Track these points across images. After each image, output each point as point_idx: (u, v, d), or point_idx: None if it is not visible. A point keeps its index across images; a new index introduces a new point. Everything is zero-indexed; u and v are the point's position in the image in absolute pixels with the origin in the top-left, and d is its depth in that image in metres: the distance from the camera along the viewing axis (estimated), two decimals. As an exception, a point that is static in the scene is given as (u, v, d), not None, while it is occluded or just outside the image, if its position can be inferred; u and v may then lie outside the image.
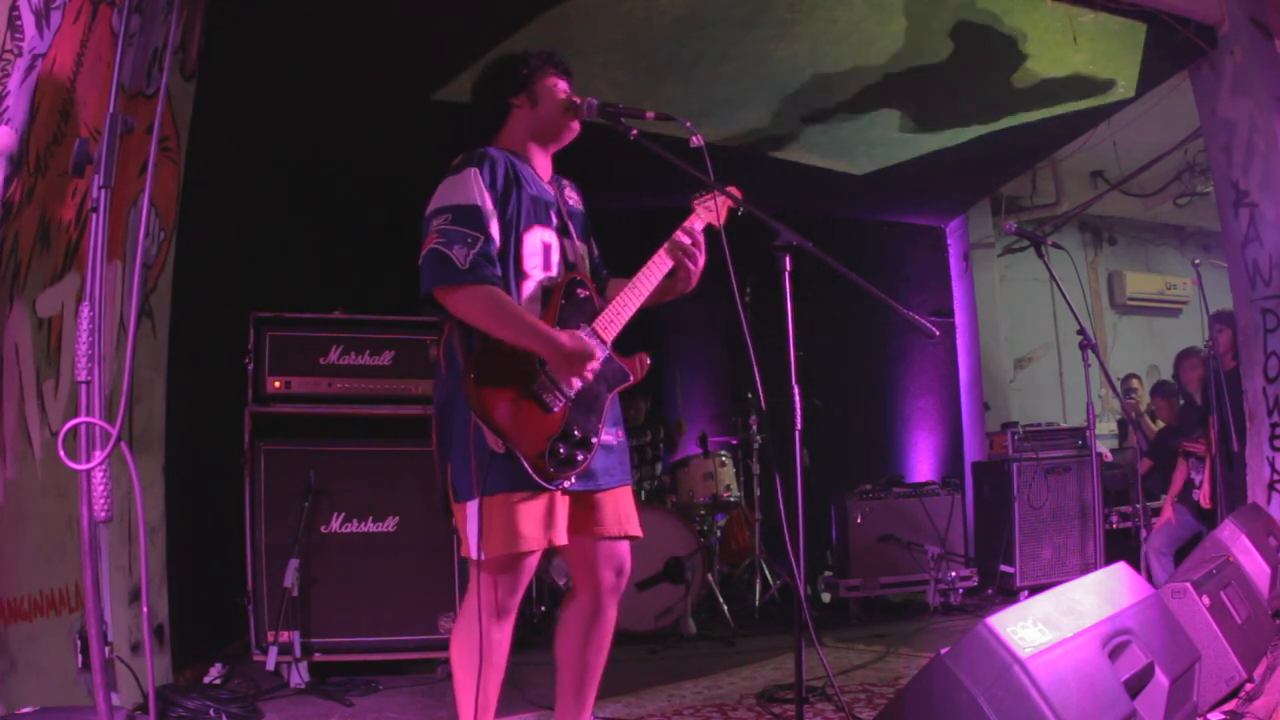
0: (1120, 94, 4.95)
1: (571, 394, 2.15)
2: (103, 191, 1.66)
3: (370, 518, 3.57)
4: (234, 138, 4.17)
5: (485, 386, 2.08)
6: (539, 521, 2.11)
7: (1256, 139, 4.24)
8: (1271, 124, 4.15)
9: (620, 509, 2.28)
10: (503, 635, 2.18)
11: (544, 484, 2.09)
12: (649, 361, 2.34)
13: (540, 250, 2.24)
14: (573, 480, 2.15)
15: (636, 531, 2.31)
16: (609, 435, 2.26)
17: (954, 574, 4.92)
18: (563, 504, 2.15)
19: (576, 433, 2.15)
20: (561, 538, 2.14)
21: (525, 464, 2.07)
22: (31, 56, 2.22)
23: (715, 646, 4.19)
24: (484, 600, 2.12)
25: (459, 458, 2.13)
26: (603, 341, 2.22)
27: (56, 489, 2.44)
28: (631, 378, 2.31)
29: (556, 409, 2.13)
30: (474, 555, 2.11)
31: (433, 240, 2.10)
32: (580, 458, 2.15)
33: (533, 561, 2.18)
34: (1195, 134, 5.45)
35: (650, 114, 2.28)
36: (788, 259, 2.22)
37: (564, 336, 2.12)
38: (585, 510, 2.22)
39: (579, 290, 2.26)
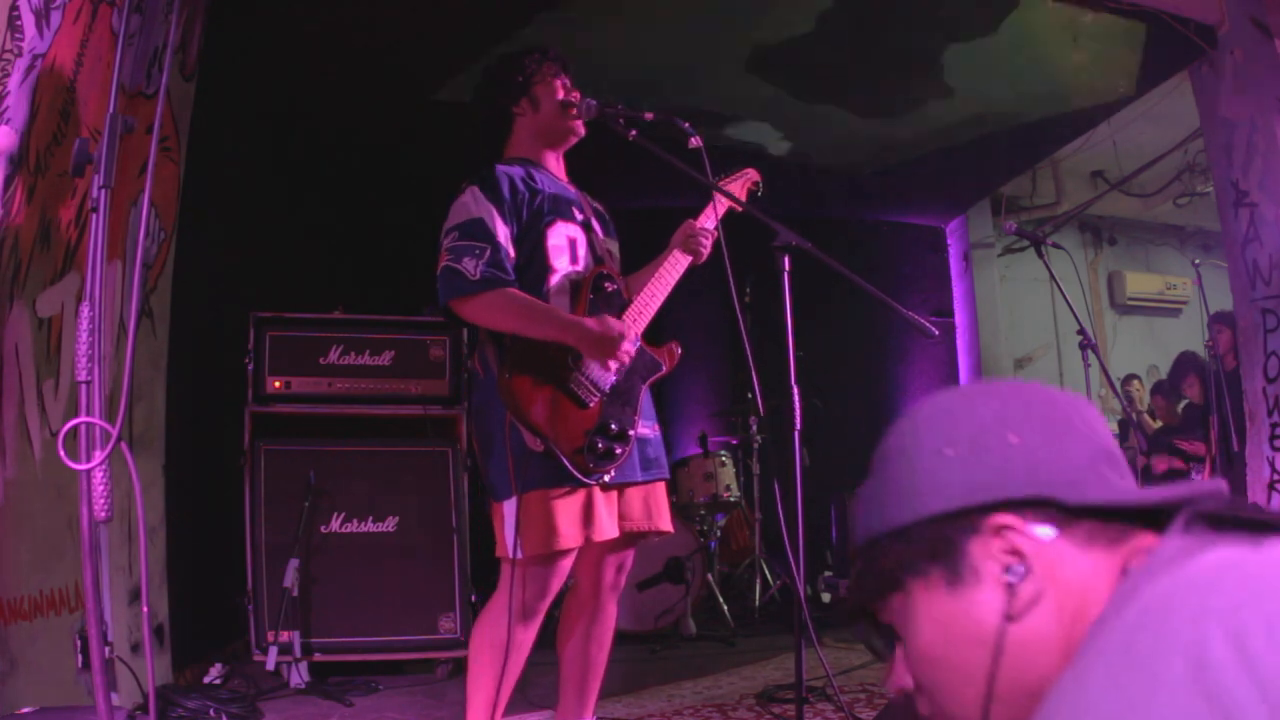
0: (1120, 94, 4.95)
1: (606, 388, 2.16)
2: (103, 191, 1.66)
3: (370, 518, 3.57)
4: (234, 138, 4.17)
5: (520, 386, 2.09)
6: (577, 518, 2.11)
7: (1256, 139, 4.24)
8: (1271, 124, 4.15)
9: (652, 502, 2.29)
10: (527, 638, 2.19)
11: (583, 479, 2.09)
12: (679, 351, 2.35)
13: (566, 245, 2.25)
14: (612, 474, 2.15)
15: (667, 526, 2.32)
16: (645, 428, 2.27)
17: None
18: (602, 499, 2.15)
19: (614, 426, 2.16)
20: (602, 533, 2.14)
21: (564, 460, 2.07)
22: (31, 56, 2.22)
23: (715, 646, 4.19)
24: (514, 602, 2.12)
25: (496, 457, 2.14)
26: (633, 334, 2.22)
27: (56, 489, 2.44)
28: (664, 367, 2.31)
29: (592, 404, 2.14)
30: (510, 554, 2.11)
31: (444, 259, 2.13)
32: (619, 451, 2.16)
33: (567, 563, 2.18)
34: (1195, 134, 5.45)
35: (649, 115, 2.29)
36: (787, 259, 2.22)
37: (590, 321, 2.12)
38: (617, 503, 2.23)
39: (607, 284, 2.27)
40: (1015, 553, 0.74)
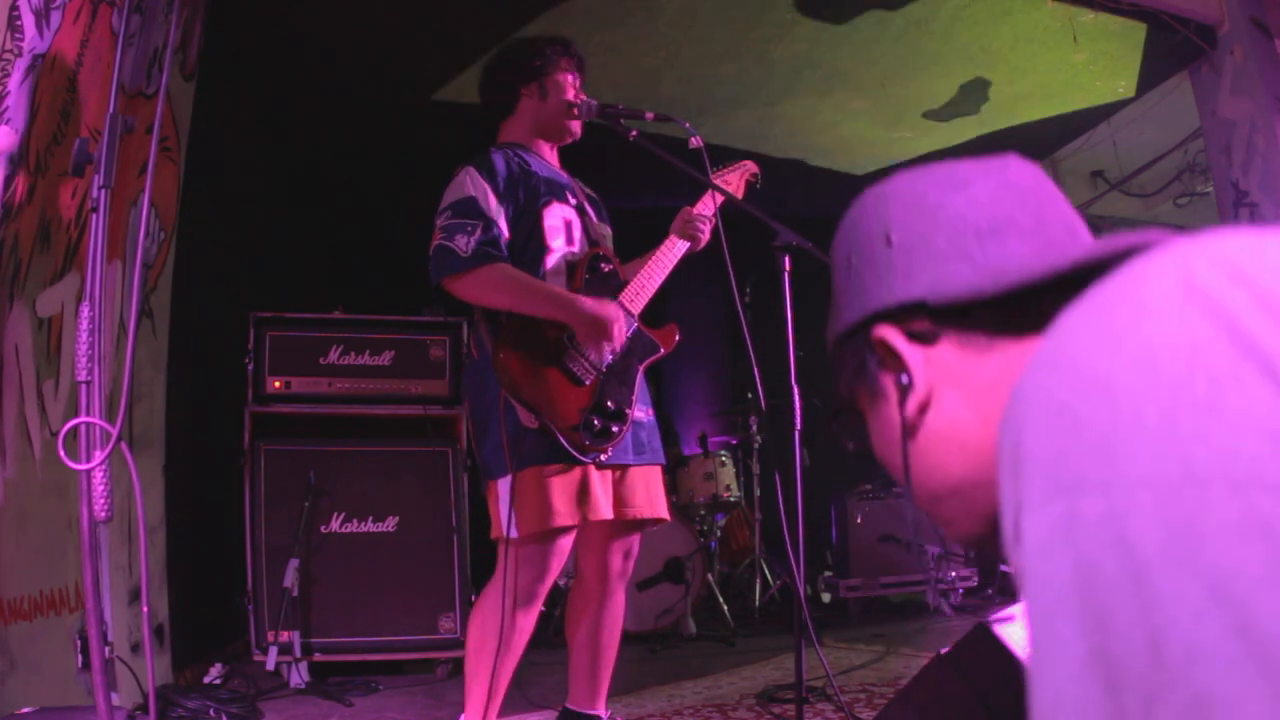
0: (1120, 94, 4.95)
1: (603, 366, 2.15)
2: (103, 191, 1.66)
3: (370, 518, 3.57)
4: (234, 138, 4.17)
5: (515, 363, 2.08)
6: (572, 496, 2.09)
7: (1256, 139, 4.24)
8: (1271, 124, 4.15)
9: (651, 489, 2.27)
10: (526, 622, 2.16)
11: (580, 456, 2.09)
12: (678, 336, 2.34)
13: (562, 226, 2.25)
14: (609, 452, 2.14)
15: (665, 514, 2.31)
16: (640, 411, 2.26)
17: (954, 574, 4.92)
18: (599, 479, 2.14)
19: (610, 404, 2.15)
20: (598, 513, 2.12)
21: (560, 437, 2.06)
22: (31, 56, 2.22)
23: (715, 646, 4.19)
24: (510, 584, 2.10)
25: (491, 436, 2.13)
26: (630, 314, 2.22)
27: (56, 489, 2.44)
28: (662, 349, 2.31)
29: (588, 381, 2.14)
30: (505, 533, 2.09)
31: (436, 238, 2.13)
32: (615, 429, 2.15)
33: (565, 544, 2.15)
34: (1195, 134, 5.45)
35: (649, 114, 2.29)
36: (787, 259, 2.23)
37: (587, 301, 2.12)
38: (617, 488, 2.21)
39: (603, 264, 2.27)
40: (900, 364, 0.70)
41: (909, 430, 0.70)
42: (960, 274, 0.69)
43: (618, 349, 2.18)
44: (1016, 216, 0.71)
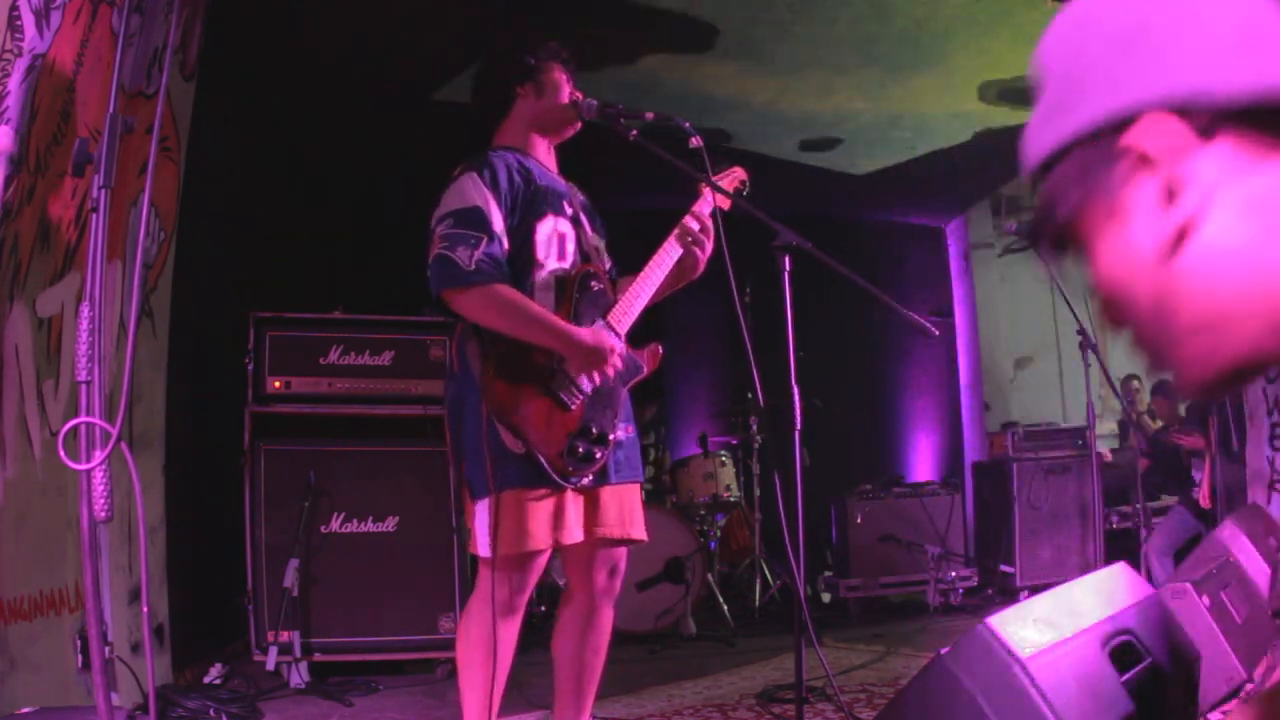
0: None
1: (589, 390, 2.15)
2: (103, 191, 1.66)
3: (370, 518, 3.57)
4: (234, 138, 4.17)
5: (503, 385, 2.07)
6: (548, 521, 2.10)
7: (1256, 139, 4.24)
8: (1271, 124, 4.15)
9: (625, 508, 2.26)
10: (511, 632, 2.17)
11: (562, 482, 2.09)
12: (661, 352, 2.33)
13: (555, 239, 2.23)
14: (590, 478, 2.15)
15: (640, 535, 2.28)
16: (621, 431, 2.26)
17: (954, 574, 4.92)
18: (574, 503, 2.14)
19: (594, 429, 2.15)
20: (570, 537, 2.12)
21: (544, 463, 2.06)
22: (31, 56, 2.21)
23: (715, 646, 4.19)
24: (493, 598, 2.12)
25: (473, 455, 2.13)
26: (617, 335, 2.21)
27: (56, 489, 2.44)
28: (645, 370, 2.30)
29: (574, 406, 2.13)
30: (484, 553, 2.10)
31: (437, 246, 2.09)
32: (599, 455, 2.15)
33: (542, 560, 2.18)
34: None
35: (649, 114, 2.28)
36: (787, 259, 2.23)
37: (584, 333, 2.11)
38: (590, 508, 2.21)
39: (593, 283, 2.25)
40: (1163, 176, 0.59)
41: (1165, 251, 0.60)
42: (1247, 67, 0.58)
43: (612, 382, 2.17)
44: None
